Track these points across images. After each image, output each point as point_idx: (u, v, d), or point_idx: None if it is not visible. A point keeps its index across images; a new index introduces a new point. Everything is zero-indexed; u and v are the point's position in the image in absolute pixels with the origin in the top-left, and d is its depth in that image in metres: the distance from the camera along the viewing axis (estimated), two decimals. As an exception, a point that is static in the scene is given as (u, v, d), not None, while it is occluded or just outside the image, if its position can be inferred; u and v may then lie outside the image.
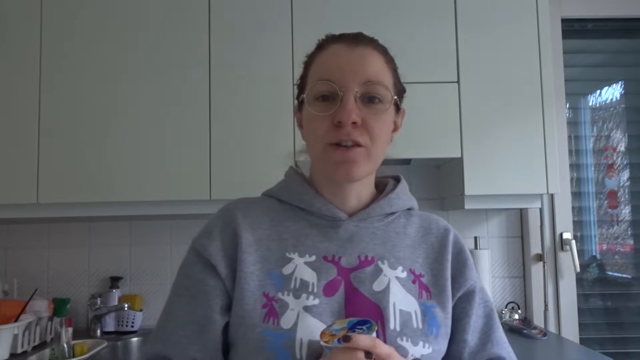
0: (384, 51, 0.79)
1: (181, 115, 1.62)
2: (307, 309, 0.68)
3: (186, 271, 0.75)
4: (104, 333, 1.80)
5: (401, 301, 0.71)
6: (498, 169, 1.63)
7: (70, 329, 1.50)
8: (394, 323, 0.69)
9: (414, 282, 0.75)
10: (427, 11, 1.68)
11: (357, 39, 0.76)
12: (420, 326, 0.71)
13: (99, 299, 1.82)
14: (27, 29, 1.63)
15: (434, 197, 1.98)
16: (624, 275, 2.06)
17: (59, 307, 1.77)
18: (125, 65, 1.63)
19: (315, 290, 0.70)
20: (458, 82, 1.66)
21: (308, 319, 0.67)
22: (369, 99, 0.72)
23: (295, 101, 0.81)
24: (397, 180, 0.86)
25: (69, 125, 1.61)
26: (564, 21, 2.02)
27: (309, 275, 0.71)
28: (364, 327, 0.61)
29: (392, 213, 0.81)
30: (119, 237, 1.96)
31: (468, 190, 1.63)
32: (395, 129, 0.81)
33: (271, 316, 0.68)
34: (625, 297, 2.04)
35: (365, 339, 0.58)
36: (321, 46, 0.78)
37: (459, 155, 1.64)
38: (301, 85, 0.80)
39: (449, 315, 0.76)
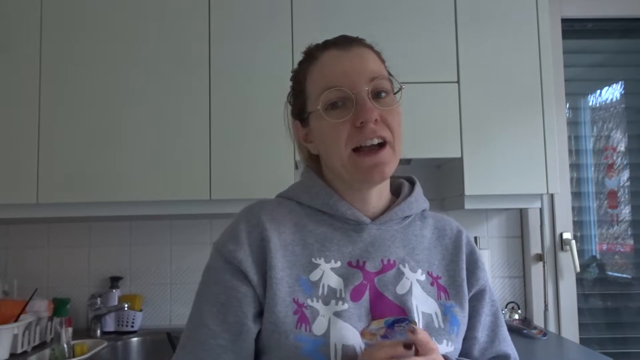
0: (371, 47, 0.80)
1: (181, 115, 1.62)
2: (337, 314, 0.68)
3: (214, 278, 0.73)
4: (104, 333, 1.80)
5: (422, 303, 0.73)
6: (498, 169, 1.63)
7: (70, 329, 1.50)
8: (418, 324, 0.71)
9: (432, 284, 0.76)
10: (427, 11, 1.68)
11: (348, 41, 0.77)
12: (442, 326, 0.72)
13: (99, 299, 1.82)
14: (27, 29, 1.63)
15: (434, 197, 1.98)
16: (624, 275, 2.06)
17: (59, 307, 1.77)
18: (125, 65, 1.63)
19: (343, 295, 0.70)
20: (458, 82, 1.65)
21: (340, 323, 0.68)
22: (377, 95, 0.73)
23: (291, 118, 0.82)
24: (410, 181, 0.87)
25: (69, 125, 1.61)
26: (564, 21, 2.02)
27: (336, 282, 0.71)
28: (403, 325, 0.61)
29: (408, 216, 0.82)
30: (119, 237, 1.96)
31: (468, 190, 1.63)
32: None
33: (303, 322, 0.68)
34: (625, 297, 2.04)
35: (421, 332, 0.60)
36: (312, 57, 0.78)
37: (459, 155, 1.64)
38: (300, 101, 0.80)
39: (467, 314, 0.78)
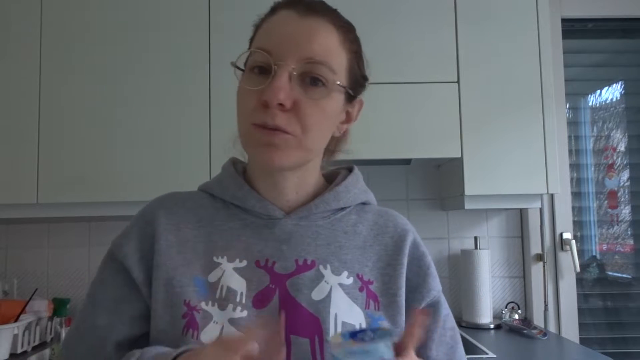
0: (343, 27, 0.66)
1: (181, 115, 1.62)
2: (232, 321, 0.60)
3: (98, 275, 0.68)
4: (104, 333, 1.80)
5: (345, 312, 0.63)
6: (498, 169, 1.63)
7: (70, 329, 1.50)
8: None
9: (361, 289, 0.65)
10: (427, 11, 1.67)
11: (312, 7, 0.64)
12: None
13: (99, 299, 1.81)
14: (27, 29, 1.63)
15: (434, 197, 1.98)
16: (624, 275, 2.06)
17: (59, 307, 1.77)
18: (125, 65, 1.63)
19: (244, 300, 0.61)
20: (458, 82, 1.65)
21: (233, 333, 0.59)
22: (311, 81, 0.62)
23: (235, 69, 0.69)
24: (351, 171, 0.76)
25: (69, 125, 1.61)
26: (564, 21, 2.02)
27: (238, 284, 0.62)
28: (370, 333, 0.50)
29: (342, 209, 0.71)
30: (119, 237, 1.96)
31: (468, 190, 1.63)
32: (349, 120, 0.71)
33: (191, 328, 0.59)
34: (625, 297, 2.03)
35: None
36: (272, 10, 0.67)
37: (459, 155, 1.64)
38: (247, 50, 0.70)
39: (401, 330, 0.66)
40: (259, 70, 0.62)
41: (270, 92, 0.59)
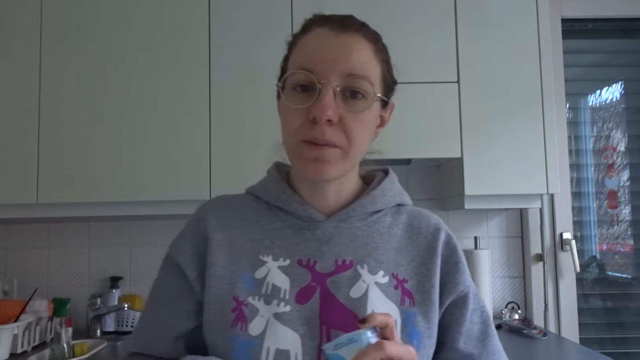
0: (373, 39, 0.72)
1: (181, 115, 1.62)
2: (277, 316, 0.65)
3: (159, 273, 0.75)
4: (104, 333, 1.80)
5: (381, 309, 0.66)
6: (498, 169, 1.63)
7: (70, 329, 1.50)
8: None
9: (396, 287, 0.69)
10: (427, 11, 1.68)
11: (344, 24, 0.69)
12: (399, 337, 0.64)
13: (99, 299, 1.82)
14: (27, 29, 1.63)
15: (434, 197, 1.98)
16: (624, 275, 2.06)
17: (59, 307, 1.77)
18: (125, 65, 1.63)
19: (287, 297, 0.66)
20: (458, 82, 1.66)
21: (278, 326, 0.64)
22: (352, 94, 0.66)
23: (276, 87, 0.74)
24: (387, 173, 0.80)
25: (68, 125, 1.61)
26: (564, 21, 2.02)
27: (282, 281, 0.67)
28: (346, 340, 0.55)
29: (378, 211, 0.75)
30: (119, 237, 1.96)
31: (468, 190, 1.63)
32: (382, 124, 0.75)
33: (239, 321, 0.65)
34: (625, 297, 2.04)
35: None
36: (305, 28, 0.73)
37: (459, 155, 1.64)
38: (284, 69, 0.75)
39: (434, 326, 0.70)
40: (302, 88, 0.67)
41: (319, 110, 0.63)
